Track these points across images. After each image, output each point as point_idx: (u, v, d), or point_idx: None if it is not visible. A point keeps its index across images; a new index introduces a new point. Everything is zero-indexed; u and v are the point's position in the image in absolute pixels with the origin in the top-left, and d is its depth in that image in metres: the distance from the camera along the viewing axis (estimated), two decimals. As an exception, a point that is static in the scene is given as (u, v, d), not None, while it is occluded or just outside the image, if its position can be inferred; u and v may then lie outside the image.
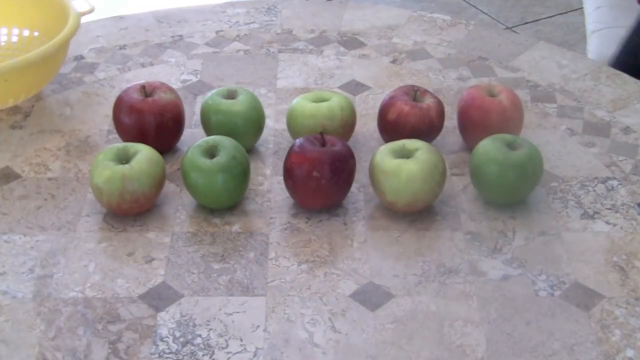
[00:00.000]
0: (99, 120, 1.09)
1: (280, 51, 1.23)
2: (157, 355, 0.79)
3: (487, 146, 0.94)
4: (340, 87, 1.15)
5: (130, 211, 0.93)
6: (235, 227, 0.93)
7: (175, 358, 0.79)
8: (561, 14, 2.97)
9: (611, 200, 0.97)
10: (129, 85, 1.03)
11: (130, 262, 0.89)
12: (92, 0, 1.16)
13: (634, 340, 0.81)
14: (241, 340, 0.81)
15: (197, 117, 1.09)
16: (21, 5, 1.19)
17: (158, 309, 0.84)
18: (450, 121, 1.07)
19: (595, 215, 0.95)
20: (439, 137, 1.05)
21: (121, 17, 1.32)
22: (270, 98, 1.13)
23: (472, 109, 1.01)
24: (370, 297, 0.86)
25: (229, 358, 0.79)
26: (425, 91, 1.02)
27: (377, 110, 1.05)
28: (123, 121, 1.00)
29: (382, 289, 0.86)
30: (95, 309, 0.84)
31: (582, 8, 1.99)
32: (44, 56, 1.04)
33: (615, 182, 1.00)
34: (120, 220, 0.94)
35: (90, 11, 1.12)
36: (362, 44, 1.25)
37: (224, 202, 0.94)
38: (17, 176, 1.00)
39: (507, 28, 2.88)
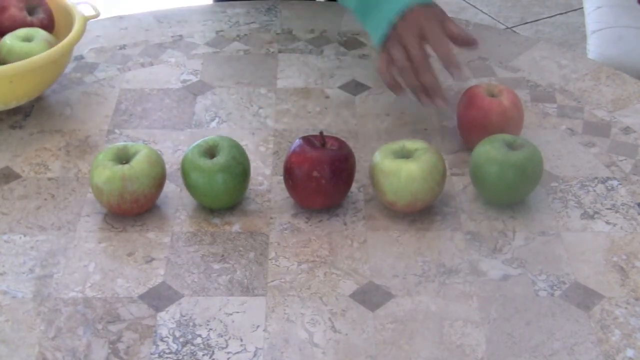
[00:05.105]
0: (99, 120, 1.09)
1: (280, 51, 1.23)
2: (157, 355, 0.79)
3: (487, 146, 0.94)
4: (340, 87, 1.15)
5: (130, 211, 0.93)
6: (235, 227, 0.93)
7: (175, 358, 0.79)
8: (561, 14, 2.98)
9: (611, 200, 0.97)
10: None
11: (130, 262, 0.89)
12: (93, 1, 1.16)
13: (634, 340, 0.81)
14: (241, 340, 0.81)
15: (197, 117, 1.09)
16: None
17: (158, 309, 0.84)
18: (451, 121, 1.07)
19: (595, 215, 0.95)
20: (438, 137, 1.05)
21: (121, 17, 1.32)
22: (270, 98, 1.13)
23: (472, 109, 1.01)
24: (370, 297, 0.86)
25: (229, 358, 0.79)
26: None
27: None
28: None
29: (382, 289, 0.86)
30: (95, 309, 0.84)
31: (582, 8, 1.99)
32: (49, 59, 1.04)
33: (615, 182, 1.00)
34: (120, 220, 0.94)
35: (96, 16, 1.12)
36: (362, 44, 1.25)
37: (224, 202, 0.94)
38: (17, 176, 1.00)
39: (507, 28, 2.88)
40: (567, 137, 1.07)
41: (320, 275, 0.88)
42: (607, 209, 0.96)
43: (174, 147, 1.05)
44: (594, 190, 0.99)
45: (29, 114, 1.10)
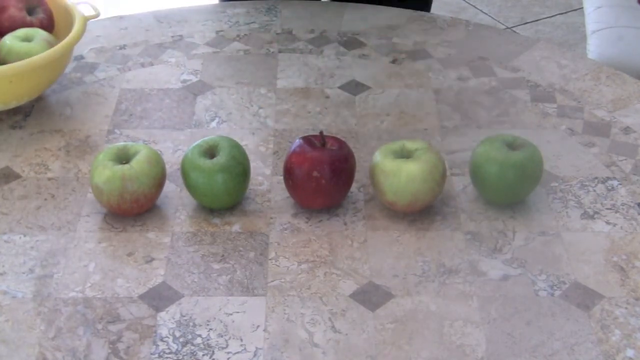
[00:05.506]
0: (99, 120, 1.09)
1: (280, 51, 1.23)
2: (157, 355, 0.79)
3: (487, 146, 0.94)
4: (340, 87, 1.15)
5: (130, 211, 0.93)
6: (235, 227, 0.93)
7: (175, 358, 0.79)
8: (561, 14, 2.98)
9: (611, 200, 0.97)
10: None
11: (130, 262, 0.89)
12: (93, 1, 1.16)
13: (634, 340, 0.81)
14: (241, 340, 0.81)
15: (197, 116, 1.09)
16: None
17: (158, 309, 0.84)
18: (451, 121, 1.07)
19: (595, 215, 0.95)
20: (438, 137, 1.05)
21: (121, 17, 1.32)
22: (270, 98, 1.13)
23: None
24: (370, 297, 0.86)
25: (229, 358, 0.79)
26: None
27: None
28: None
29: (382, 289, 0.86)
30: (95, 309, 0.84)
31: (582, 8, 1.99)
32: (49, 59, 1.04)
33: (615, 182, 1.00)
34: (120, 220, 0.94)
35: (96, 16, 1.12)
36: (362, 44, 1.25)
37: (224, 202, 0.94)
38: (17, 176, 1.00)
39: (507, 28, 2.88)
40: (567, 137, 1.07)
41: (320, 275, 0.88)
42: (607, 209, 0.96)
43: (174, 147, 1.05)
44: (594, 190, 0.99)
45: (29, 114, 1.10)
